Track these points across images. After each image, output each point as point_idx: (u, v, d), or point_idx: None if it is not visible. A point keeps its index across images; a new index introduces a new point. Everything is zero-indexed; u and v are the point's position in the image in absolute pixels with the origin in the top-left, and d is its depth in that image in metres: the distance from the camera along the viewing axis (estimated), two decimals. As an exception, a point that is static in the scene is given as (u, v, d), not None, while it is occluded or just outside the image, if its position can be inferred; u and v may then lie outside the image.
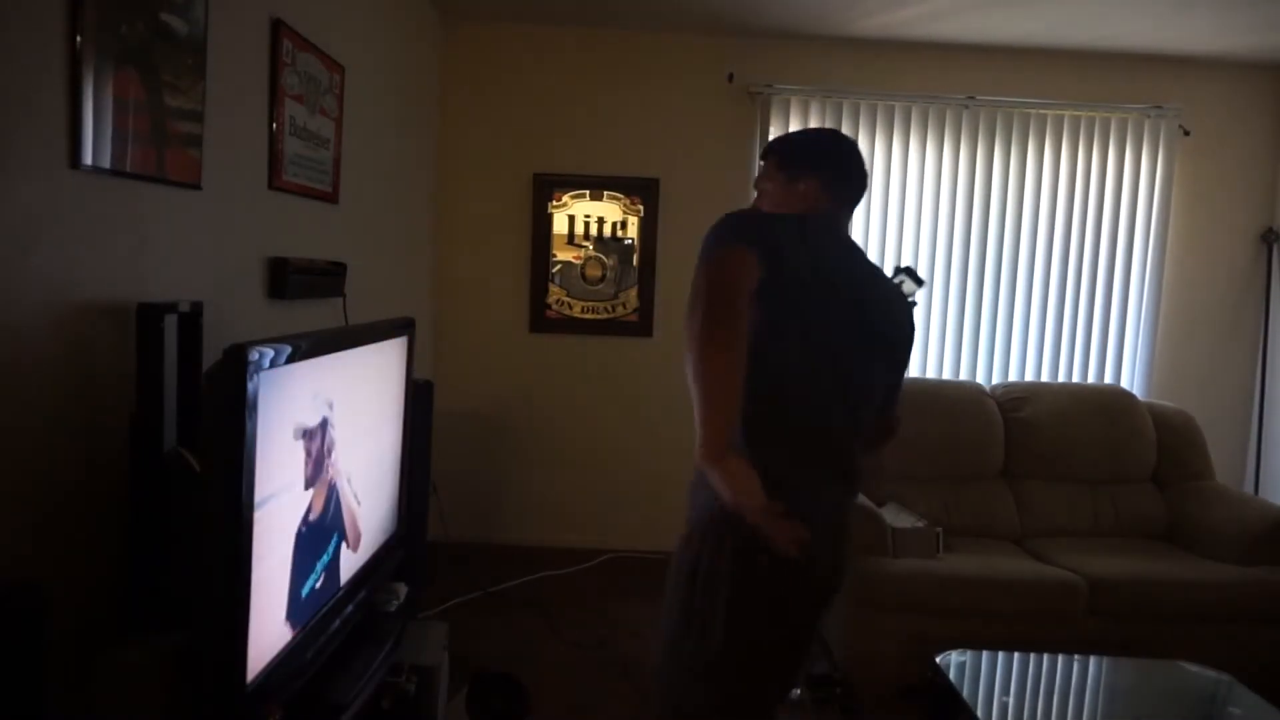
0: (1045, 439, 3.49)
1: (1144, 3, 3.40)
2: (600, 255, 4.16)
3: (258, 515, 1.30)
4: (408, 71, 3.54)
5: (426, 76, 3.86)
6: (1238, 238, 4.25)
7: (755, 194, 1.79)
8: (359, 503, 1.86)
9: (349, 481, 1.78)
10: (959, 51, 4.06)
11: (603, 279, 4.17)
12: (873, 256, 4.15)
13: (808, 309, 1.50)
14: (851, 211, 1.74)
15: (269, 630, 1.40)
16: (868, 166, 1.78)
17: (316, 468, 1.57)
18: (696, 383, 1.37)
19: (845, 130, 4.05)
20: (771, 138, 1.82)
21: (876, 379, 1.64)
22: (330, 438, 1.63)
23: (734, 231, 1.45)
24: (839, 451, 1.58)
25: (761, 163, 1.78)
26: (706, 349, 1.36)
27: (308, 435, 1.52)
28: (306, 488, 1.53)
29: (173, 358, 1.60)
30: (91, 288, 1.50)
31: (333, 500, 1.68)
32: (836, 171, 1.70)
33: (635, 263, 4.16)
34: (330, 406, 1.62)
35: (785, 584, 1.48)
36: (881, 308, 1.64)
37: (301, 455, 1.49)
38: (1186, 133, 4.13)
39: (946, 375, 4.17)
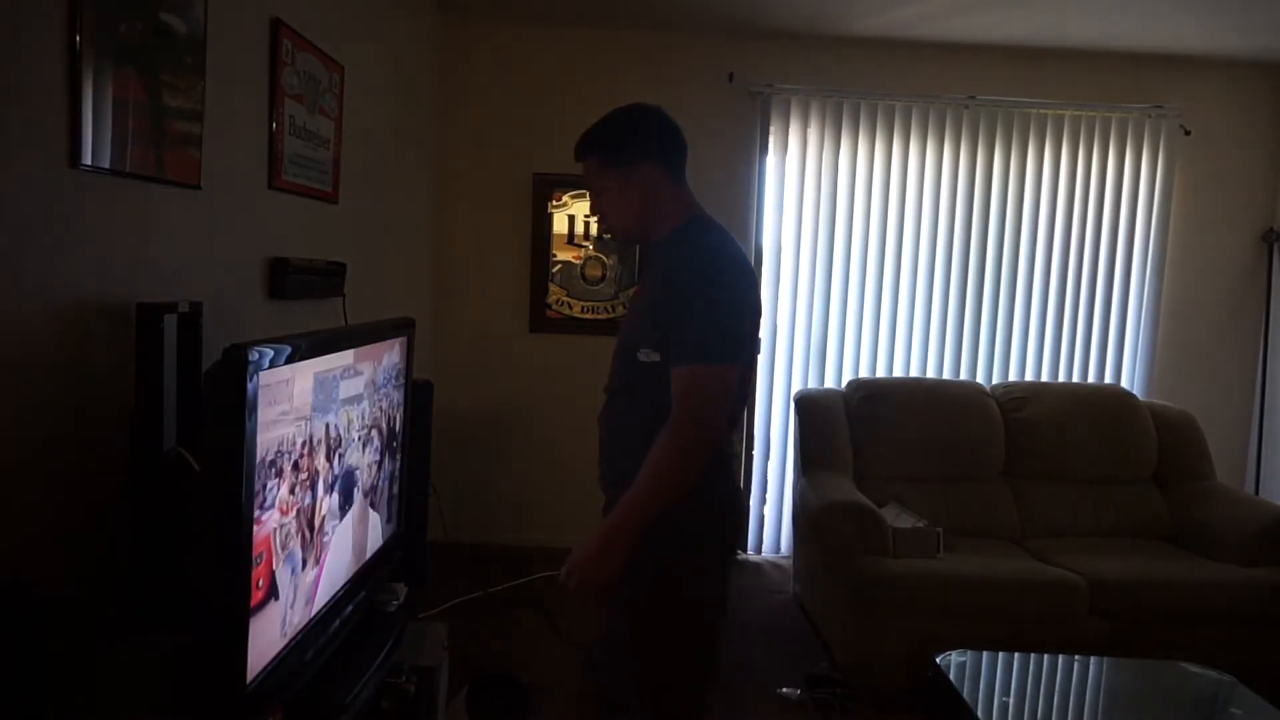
0: (1045, 439, 3.48)
1: (1144, 3, 3.40)
2: (600, 255, 4.16)
3: (258, 515, 1.30)
4: (408, 71, 3.54)
5: (426, 76, 3.86)
6: (1238, 238, 4.25)
7: (590, 201, 1.74)
8: (359, 503, 1.86)
9: (349, 481, 1.77)
10: (959, 51, 4.06)
11: (603, 279, 4.16)
12: (872, 257, 4.15)
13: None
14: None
15: (269, 630, 1.40)
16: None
17: (317, 468, 1.57)
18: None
19: (845, 130, 4.07)
20: (581, 138, 1.72)
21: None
22: (332, 437, 1.63)
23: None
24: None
25: (582, 163, 1.70)
26: None
27: (308, 435, 1.51)
28: (307, 488, 1.53)
29: (172, 358, 1.60)
30: (91, 288, 1.50)
31: (331, 501, 1.68)
32: (662, 142, 1.66)
33: (635, 263, 4.16)
34: (335, 408, 1.62)
35: None
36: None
37: (305, 456, 1.49)
38: (1187, 133, 4.13)
39: (946, 375, 4.17)
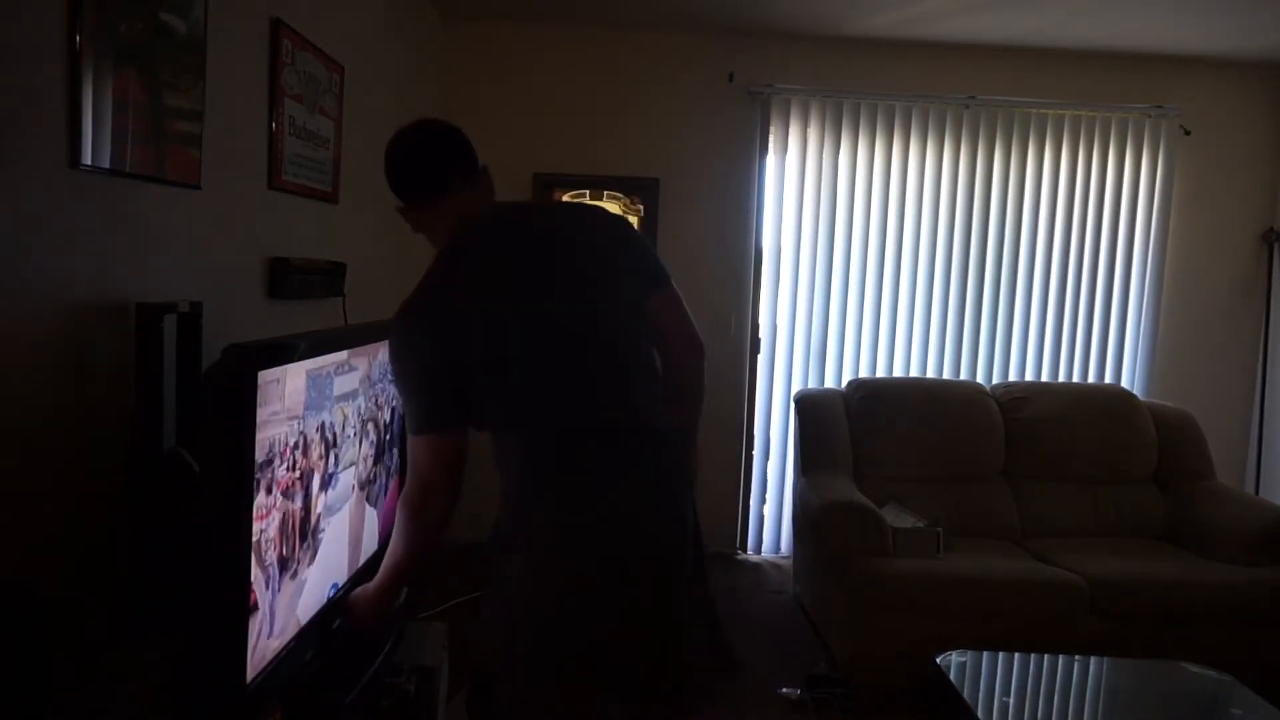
0: (1045, 439, 3.48)
1: (1144, 2, 3.40)
2: (600, 255, 4.15)
3: (258, 514, 1.30)
4: (408, 71, 3.54)
5: (426, 76, 3.86)
6: (1238, 238, 4.25)
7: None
8: (355, 500, 1.86)
9: (348, 481, 1.77)
10: (959, 51, 4.06)
11: (603, 279, 4.16)
12: (872, 257, 4.15)
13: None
14: (463, 187, 1.68)
15: (269, 630, 1.40)
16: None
17: (316, 467, 1.57)
18: None
19: (845, 130, 4.08)
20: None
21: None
22: (330, 437, 1.63)
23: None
24: None
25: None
26: None
27: (308, 434, 1.51)
28: (306, 487, 1.53)
29: (172, 358, 1.60)
30: (91, 288, 1.50)
31: (331, 500, 1.68)
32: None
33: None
34: (330, 405, 1.62)
35: None
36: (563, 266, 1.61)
37: (301, 455, 1.49)
38: (1187, 132, 4.13)
39: (946, 375, 4.17)
